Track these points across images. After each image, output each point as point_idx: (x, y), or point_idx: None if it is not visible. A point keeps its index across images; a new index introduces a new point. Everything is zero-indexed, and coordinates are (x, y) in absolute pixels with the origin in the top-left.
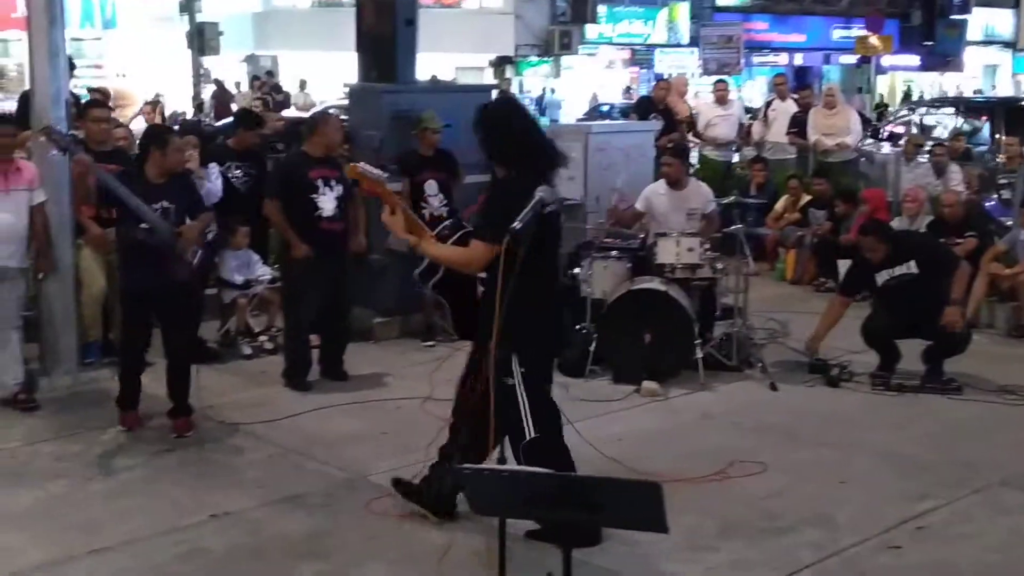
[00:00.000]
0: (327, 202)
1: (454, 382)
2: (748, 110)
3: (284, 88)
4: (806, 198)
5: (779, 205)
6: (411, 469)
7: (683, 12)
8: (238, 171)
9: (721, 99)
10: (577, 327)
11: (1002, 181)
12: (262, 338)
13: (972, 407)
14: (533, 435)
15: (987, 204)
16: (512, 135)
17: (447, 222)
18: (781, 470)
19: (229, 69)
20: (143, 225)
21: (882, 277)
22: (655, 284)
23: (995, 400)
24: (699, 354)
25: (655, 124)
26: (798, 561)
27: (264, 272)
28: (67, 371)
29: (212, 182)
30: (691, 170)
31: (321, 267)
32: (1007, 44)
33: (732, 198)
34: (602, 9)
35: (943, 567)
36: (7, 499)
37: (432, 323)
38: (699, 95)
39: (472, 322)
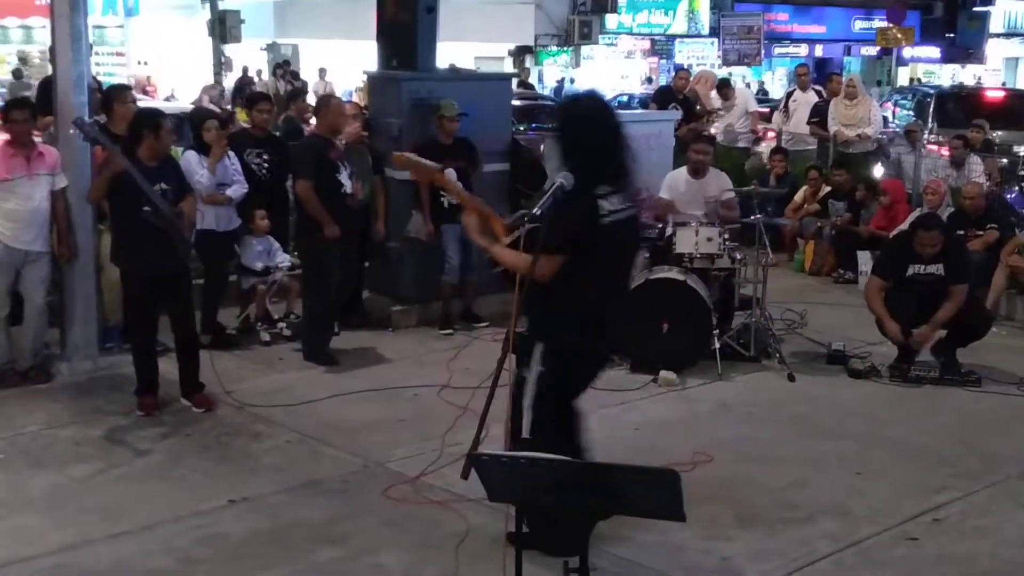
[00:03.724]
0: (346, 180)
1: (471, 371)
2: (762, 100)
3: (303, 76)
4: (826, 189)
5: (798, 196)
6: (428, 457)
7: (703, 2)
8: (257, 157)
9: (725, 96)
10: None
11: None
12: (281, 325)
13: (991, 399)
14: (526, 436)
15: (1008, 196)
16: (584, 139)
17: (522, 212)
18: (799, 461)
19: (250, 57)
20: (145, 208)
21: (912, 269)
22: (673, 273)
23: (1014, 393)
24: (717, 344)
25: (675, 114)
26: (815, 552)
27: (284, 259)
28: (87, 356)
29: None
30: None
31: (345, 244)
32: None
33: (751, 187)
34: None
35: (959, 560)
36: (27, 483)
37: (450, 312)
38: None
39: None
